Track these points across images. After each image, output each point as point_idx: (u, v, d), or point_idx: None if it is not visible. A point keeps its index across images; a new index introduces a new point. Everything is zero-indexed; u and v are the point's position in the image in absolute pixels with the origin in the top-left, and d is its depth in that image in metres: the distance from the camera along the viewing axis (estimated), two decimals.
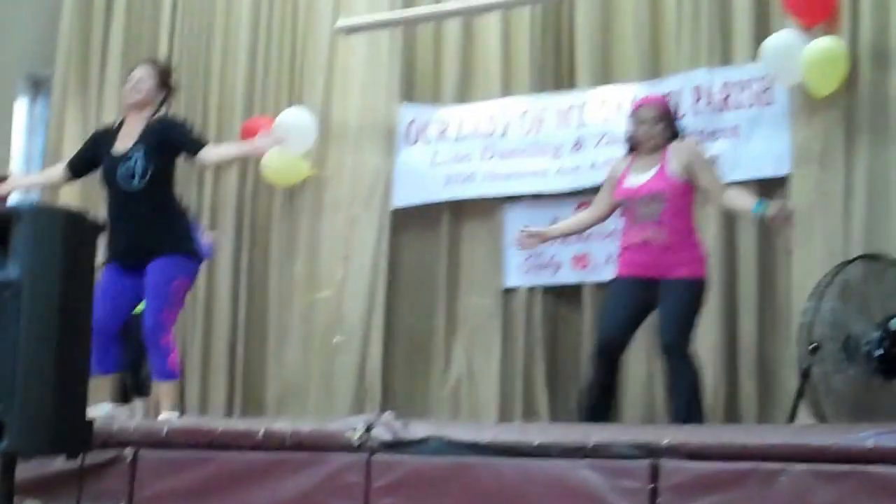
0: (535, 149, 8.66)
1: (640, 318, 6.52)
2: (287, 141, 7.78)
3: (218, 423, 5.05)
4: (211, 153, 6.45)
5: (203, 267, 9.11)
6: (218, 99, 9.83)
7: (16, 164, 10.41)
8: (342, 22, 9.19)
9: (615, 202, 6.65)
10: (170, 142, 6.42)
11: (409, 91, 9.31)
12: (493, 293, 8.79)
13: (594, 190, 7.92)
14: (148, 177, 6.29)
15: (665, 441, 4.54)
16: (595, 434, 4.67)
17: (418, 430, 4.76)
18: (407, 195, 9.10)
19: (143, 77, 6.56)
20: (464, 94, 9.14)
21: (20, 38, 10.45)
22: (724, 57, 8.37)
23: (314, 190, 9.43)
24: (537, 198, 8.69)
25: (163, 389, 6.34)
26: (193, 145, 6.43)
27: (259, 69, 9.75)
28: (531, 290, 8.67)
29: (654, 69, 8.65)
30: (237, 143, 6.63)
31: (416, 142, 9.11)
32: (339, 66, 9.50)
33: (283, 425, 4.91)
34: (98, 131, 6.83)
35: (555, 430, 4.86)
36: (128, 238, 6.35)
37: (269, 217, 9.56)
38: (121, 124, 6.60)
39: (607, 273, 7.93)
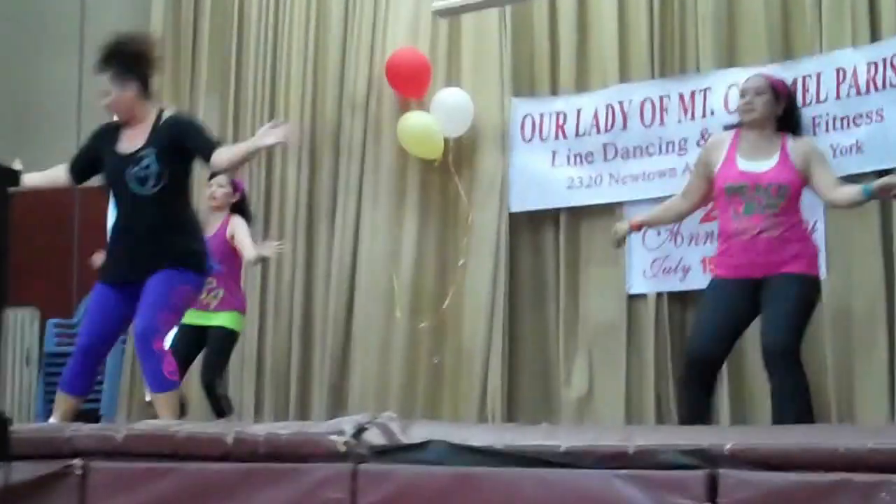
0: (659, 144, 7.75)
1: (741, 329, 5.73)
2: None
3: (183, 427, 4.06)
4: (222, 157, 5.38)
5: (303, 270, 8.52)
6: (311, 94, 8.99)
7: None
8: (437, 4, 8.22)
9: (719, 188, 5.76)
10: (182, 144, 5.45)
11: (521, 82, 8.39)
12: (616, 300, 7.86)
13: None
14: (161, 182, 5.40)
15: (727, 445, 3.44)
16: (639, 437, 3.59)
17: (418, 432, 3.75)
18: (525, 199, 8.22)
19: (105, 90, 5.51)
20: (580, 82, 8.18)
21: None
22: (873, 33, 7.26)
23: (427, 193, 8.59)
24: None
25: (160, 401, 5.33)
26: (206, 149, 5.43)
27: (350, 61, 8.89)
28: (659, 295, 7.73)
29: (785, 50, 7.58)
30: (243, 143, 5.67)
31: (531, 139, 8.23)
32: (444, 56, 8.61)
33: (258, 430, 3.92)
34: (100, 128, 5.71)
35: (588, 432, 3.78)
36: (130, 249, 5.46)
37: (378, 222, 8.66)
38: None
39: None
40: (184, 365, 6.78)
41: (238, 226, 7.19)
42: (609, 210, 7.90)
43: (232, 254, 7.13)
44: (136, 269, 5.40)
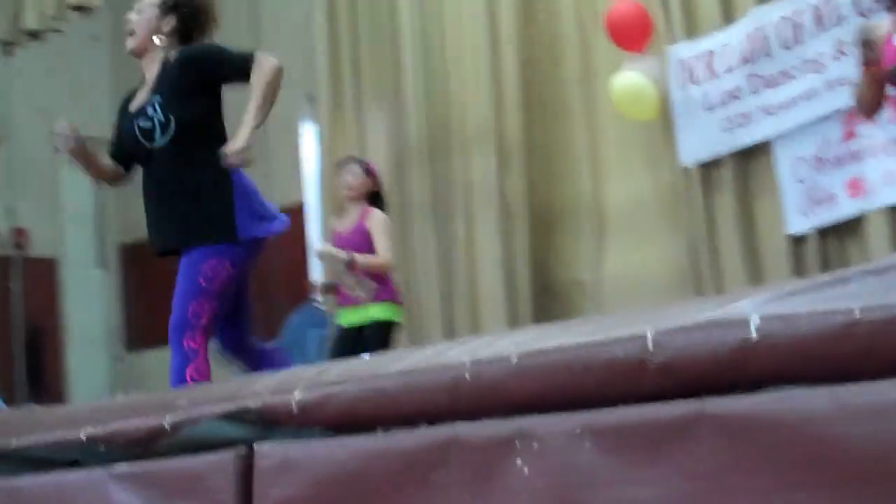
0: (799, 65, 6.30)
1: None
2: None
3: None
4: (261, 76, 4.10)
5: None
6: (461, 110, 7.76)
7: (310, 189, 8.64)
8: None
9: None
10: (195, 76, 4.18)
11: (675, 30, 6.87)
12: (778, 242, 6.31)
13: None
14: (171, 131, 4.14)
15: (297, 396, 1.68)
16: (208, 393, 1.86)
17: None
18: (693, 151, 6.74)
19: (139, 8, 4.26)
20: (726, 16, 6.72)
21: (295, 61, 8.81)
22: None
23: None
24: None
25: None
26: (239, 71, 4.14)
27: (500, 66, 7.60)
28: (821, 232, 6.16)
29: None
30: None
31: (686, 85, 6.79)
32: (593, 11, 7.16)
33: None
34: (122, 99, 4.47)
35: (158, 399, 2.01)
36: (158, 216, 4.26)
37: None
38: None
39: (889, 195, 5.79)
40: None
41: (376, 222, 5.91)
42: (763, 144, 6.45)
43: (374, 247, 5.88)
44: (171, 236, 4.22)
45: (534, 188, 7.39)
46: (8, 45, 7.81)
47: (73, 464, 1.90)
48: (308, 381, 1.74)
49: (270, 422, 1.72)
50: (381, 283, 5.84)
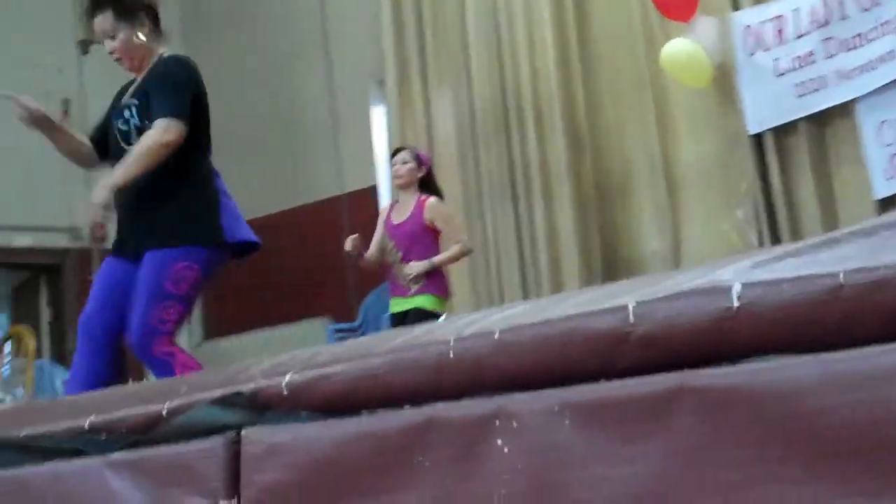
0: (876, 26, 6.08)
1: None
2: None
3: None
4: (153, 135, 3.96)
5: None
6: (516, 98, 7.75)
7: (381, 172, 8.59)
8: None
9: None
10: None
11: None
12: (864, 207, 6.12)
13: None
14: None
15: (289, 378, 1.64)
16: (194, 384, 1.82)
17: None
18: (761, 118, 6.60)
19: (105, 29, 4.12)
20: None
21: (363, 46, 8.82)
22: None
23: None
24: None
25: None
26: (156, 110, 4.01)
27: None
28: None
29: None
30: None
31: (754, 52, 6.64)
32: None
33: None
34: (119, 89, 4.38)
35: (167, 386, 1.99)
36: (124, 215, 4.16)
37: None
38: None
39: None
40: None
41: (439, 213, 5.92)
42: (843, 110, 6.30)
43: (430, 237, 5.87)
44: (132, 237, 4.10)
45: (603, 161, 7.32)
46: (85, 44, 7.88)
47: (78, 453, 1.88)
48: (301, 363, 1.69)
49: (261, 406, 1.68)
50: (430, 277, 5.83)
